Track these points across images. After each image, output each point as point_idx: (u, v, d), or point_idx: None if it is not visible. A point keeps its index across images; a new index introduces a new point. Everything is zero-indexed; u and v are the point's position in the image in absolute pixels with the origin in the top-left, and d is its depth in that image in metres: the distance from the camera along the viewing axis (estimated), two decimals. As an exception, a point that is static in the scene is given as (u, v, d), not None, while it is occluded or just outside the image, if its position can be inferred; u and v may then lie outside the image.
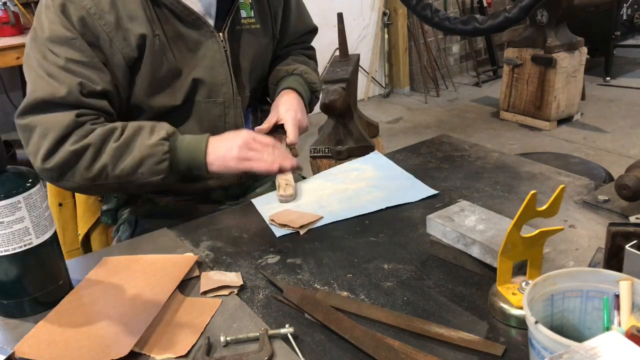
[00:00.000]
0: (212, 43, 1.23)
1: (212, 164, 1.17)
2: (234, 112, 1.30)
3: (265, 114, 1.38)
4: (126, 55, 1.15)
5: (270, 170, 1.19)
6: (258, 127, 1.31)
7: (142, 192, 1.32)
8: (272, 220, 1.12)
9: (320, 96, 1.89)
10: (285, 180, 1.23)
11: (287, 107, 1.33)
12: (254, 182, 1.43)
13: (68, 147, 1.09)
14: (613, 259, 0.78)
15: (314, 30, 1.56)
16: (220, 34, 1.24)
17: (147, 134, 1.14)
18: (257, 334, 0.79)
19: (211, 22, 1.24)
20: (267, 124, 1.31)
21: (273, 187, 1.30)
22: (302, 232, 1.09)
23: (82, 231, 1.45)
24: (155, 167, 1.13)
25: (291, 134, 1.30)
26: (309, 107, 1.45)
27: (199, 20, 1.20)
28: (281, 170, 1.21)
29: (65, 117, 1.09)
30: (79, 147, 1.09)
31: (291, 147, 1.31)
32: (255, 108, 1.44)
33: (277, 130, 1.33)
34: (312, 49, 1.60)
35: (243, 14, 1.32)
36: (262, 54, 1.38)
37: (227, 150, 1.17)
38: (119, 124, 1.15)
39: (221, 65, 1.25)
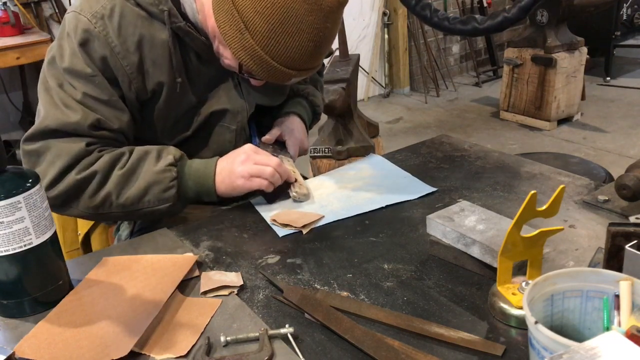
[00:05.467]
0: (228, 76, 1.22)
1: (219, 186, 1.15)
2: (244, 139, 1.29)
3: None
4: (139, 97, 1.14)
5: (274, 184, 1.16)
6: (264, 137, 1.31)
7: (148, 221, 1.28)
8: (274, 220, 1.12)
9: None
10: (297, 179, 1.23)
11: (291, 127, 1.34)
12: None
13: (74, 176, 1.07)
14: (613, 259, 0.78)
15: (330, 54, 1.56)
16: None
17: (154, 160, 1.11)
18: (257, 334, 0.79)
19: None
20: (271, 135, 1.31)
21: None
22: (304, 231, 1.09)
23: (82, 231, 1.45)
24: (162, 195, 1.11)
25: (291, 150, 1.30)
26: (310, 127, 1.46)
27: (216, 56, 1.17)
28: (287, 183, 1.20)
29: (75, 146, 1.07)
30: (86, 174, 1.07)
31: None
32: (258, 123, 1.42)
33: (278, 144, 1.33)
34: (322, 64, 1.60)
35: None
36: (282, 88, 1.37)
37: (231, 169, 1.14)
38: (126, 149, 1.12)
39: (237, 95, 1.24)
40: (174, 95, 1.15)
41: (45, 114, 1.08)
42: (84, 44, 1.07)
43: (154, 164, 1.11)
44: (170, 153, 1.13)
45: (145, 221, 1.30)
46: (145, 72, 1.12)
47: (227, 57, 1.12)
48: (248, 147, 1.19)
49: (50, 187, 1.07)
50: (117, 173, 1.09)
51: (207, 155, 1.23)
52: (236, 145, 1.27)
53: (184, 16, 1.13)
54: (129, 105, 1.14)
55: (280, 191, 1.20)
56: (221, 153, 1.22)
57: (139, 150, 1.13)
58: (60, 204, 1.10)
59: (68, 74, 1.08)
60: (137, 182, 1.10)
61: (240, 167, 1.14)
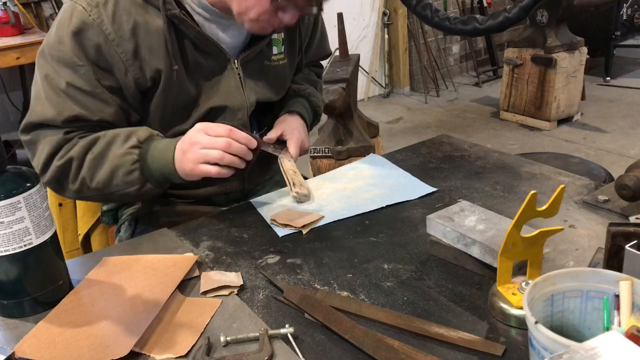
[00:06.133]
0: (228, 70, 1.22)
1: (179, 169, 1.10)
2: None
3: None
4: (139, 85, 1.13)
5: (232, 164, 1.08)
6: (265, 136, 1.31)
7: (126, 202, 1.30)
8: (274, 220, 1.12)
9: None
10: (298, 179, 1.23)
11: (292, 127, 1.33)
12: (255, 185, 1.43)
13: (56, 163, 1.11)
14: (613, 259, 0.78)
15: (329, 55, 1.57)
16: (236, 60, 1.22)
17: (120, 143, 1.11)
18: (257, 334, 0.79)
19: (227, 49, 1.21)
20: (274, 134, 1.31)
21: (273, 189, 1.30)
22: (304, 231, 1.09)
23: (82, 231, 1.45)
24: (126, 178, 1.10)
25: (292, 150, 1.29)
26: (310, 127, 1.46)
27: (217, 49, 1.17)
28: (247, 167, 1.12)
29: (55, 136, 1.11)
30: (64, 161, 1.11)
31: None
32: (259, 121, 1.42)
33: (279, 143, 1.33)
34: (321, 66, 1.61)
35: (274, 50, 1.29)
36: (283, 83, 1.37)
37: (183, 152, 1.08)
38: (102, 133, 1.12)
39: (237, 92, 1.23)
40: (171, 83, 1.15)
41: (31, 108, 1.13)
42: (78, 33, 1.08)
43: (120, 147, 1.11)
44: (136, 135, 1.11)
45: (125, 202, 1.33)
46: (141, 59, 1.12)
47: (252, 6, 1.09)
48: (197, 126, 1.10)
49: (41, 175, 1.13)
50: (89, 158, 1.11)
51: None
52: None
53: (179, 4, 1.14)
54: (129, 95, 1.14)
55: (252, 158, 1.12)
56: None
57: (109, 133, 1.12)
58: (55, 188, 1.17)
59: (55, 62, 1.09)
60: (104, 166, 1.11)
61: (189, 152, 1.08)
